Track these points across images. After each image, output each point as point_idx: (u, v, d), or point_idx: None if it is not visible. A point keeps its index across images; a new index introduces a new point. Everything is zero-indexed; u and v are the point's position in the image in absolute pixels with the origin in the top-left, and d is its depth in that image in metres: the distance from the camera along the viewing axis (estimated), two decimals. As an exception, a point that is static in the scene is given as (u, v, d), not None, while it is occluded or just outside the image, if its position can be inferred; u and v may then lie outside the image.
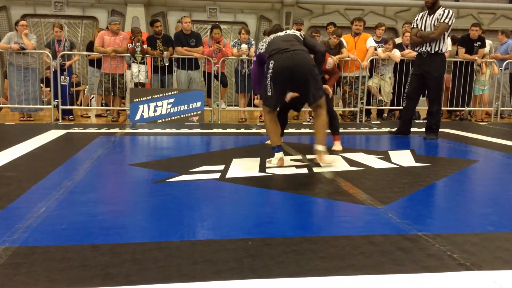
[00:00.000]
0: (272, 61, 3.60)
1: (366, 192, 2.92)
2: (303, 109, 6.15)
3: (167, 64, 7.19)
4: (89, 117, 8.04)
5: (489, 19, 12.46)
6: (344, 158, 4.05)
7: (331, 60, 4.43)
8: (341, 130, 4.80)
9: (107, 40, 7.11)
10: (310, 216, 2.56)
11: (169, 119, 6.87)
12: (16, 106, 7.08)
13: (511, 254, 1.94)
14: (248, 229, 2.23)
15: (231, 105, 9.02)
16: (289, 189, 3.06)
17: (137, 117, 6.81)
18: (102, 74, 7.23)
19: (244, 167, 3.67)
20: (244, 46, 7.30)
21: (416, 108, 6.51)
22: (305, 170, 3.60)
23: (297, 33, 3.85)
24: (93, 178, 3.36)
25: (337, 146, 4.50)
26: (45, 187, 2.97)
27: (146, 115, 6.82)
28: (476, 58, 7.61)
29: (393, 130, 6.05)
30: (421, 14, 5.59)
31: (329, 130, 4.26)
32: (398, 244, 2.02)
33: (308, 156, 4.11)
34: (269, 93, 3.67)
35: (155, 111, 6.84)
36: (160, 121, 6.83)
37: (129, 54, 7.13)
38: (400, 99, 7.43)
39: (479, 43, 7.68)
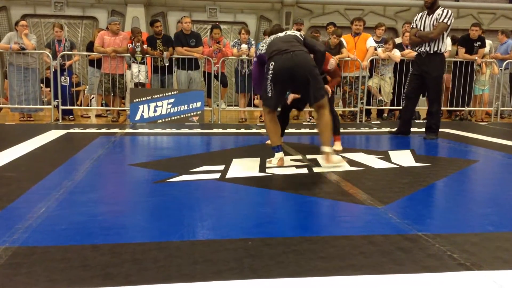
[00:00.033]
0: (273, 63, 3.60)
1: (366, 192, 2.92)
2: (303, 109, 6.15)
3: (167, 64, 7.19)
4: (89, 117, 8.04)
5: (489, 19, 12.46)
6: (344, 158, 4.05)
7: (333, 61, 4.38)
8: (341, 130, 4.80)
9: (107, 40, 7.11)
10: (310, 216, 2.55)
11: (169, 119, 6.87)
12: (16, 106, 7.08)
13: (511, 254, 1.94)
14: (248, 229, 2.23)
15: (231, 105, 9.03)
16: (289, 189, 3.06)
17: (137, 117, 6.81)
18: (102, 74, 7.23)
19: (244, 167, 3.67)
20: (244, 46, 7.30)
21: (416, 108, 6.52)
22: (305, 170, 3.60)
23: (297, 33, 3.85)
24: (93, 178, 3.36)
25: (338, 146, 4.50)
26: (45, 187, 2.97)
27: (146, 115, 6.82)
28: (476, 58, 7.61)
29: (393, 130, 6.06)
30: (420, 14, 5.60)
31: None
32: (398, 244, 2.02)
33: (308, 156, 4.11)
34: (269, 94, 3.67)
35: (155, 111, 6.85)
36: (160, 121, 6.83)
37: (129, 54, 7.13)
38: (400, 99, 7.42)
39: (479, 43, 7.68)
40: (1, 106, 8.12)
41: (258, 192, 3.00)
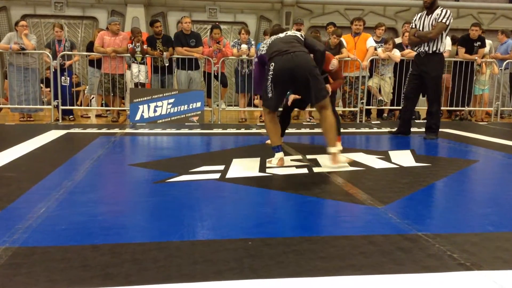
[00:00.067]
0: (273, 63, 3.60)
1: (366, 192, 2.92)
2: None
3: (167, 64, 7.19)
4: (89, 117, 8.04)
5: (489, 19, 12.46)
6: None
7: (335, 62, 4.33)
8: (341, 130, 4.80)
9: (107, 41, 7.11)
10: (310, 216, 2.55)
11: (169, 119, 6.87)
12: (16, 106, 7.08)
13: (511, 254, 1.94)
14: (248, 229, 2.23)
15: (231, 105, 9.02)
16: (289, 189, 3.06)
17: (137, 117, 6.81)
18: (102, 74, 7.23)
19: (244, 167, 3.67)
20: (244, 46, 7.30)
21: (416, 108, 6.52)
22: (305, 170, 3.60)
23: (298, 33, 3.84)
24: (93, 178, 3.36)
25: (338, 146, 4.49)
26: (45, 188, 2.97)
27: (146, 115, 6.82)
28: (476, 58, 7.61)
29: (393, 130, 6.06)
30: (419, 14, 5.59)
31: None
32: (398, 244, 2.02)
33: (308, 156, 4.11)
34: (270, 95, 3.67)
35: (155, 111, 6.85)
36: (160, 121, 6.83)
37: (129, 54, 7.13)
38: (400, 99, 7.42)
39: (479, 43, 7.68)
40: (1, 106, 8.12)
41: (258, 192, 3.00)
